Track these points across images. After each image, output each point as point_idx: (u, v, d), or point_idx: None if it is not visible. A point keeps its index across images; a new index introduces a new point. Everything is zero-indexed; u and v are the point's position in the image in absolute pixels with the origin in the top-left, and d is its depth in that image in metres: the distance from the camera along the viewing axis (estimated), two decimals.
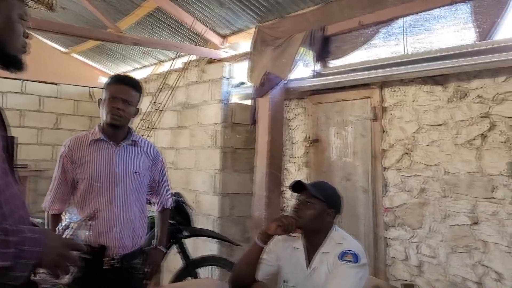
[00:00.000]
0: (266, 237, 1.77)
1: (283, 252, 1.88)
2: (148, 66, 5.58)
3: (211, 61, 4.21)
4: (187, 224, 3.43)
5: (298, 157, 3.78)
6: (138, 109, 2.07)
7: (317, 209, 1.77)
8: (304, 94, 3.71)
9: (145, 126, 4.74)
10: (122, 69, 6.05)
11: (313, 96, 3.62)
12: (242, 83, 4.06)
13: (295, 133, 3.81)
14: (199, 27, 3.99)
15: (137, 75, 5.85)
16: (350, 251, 1.68)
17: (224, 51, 4.12)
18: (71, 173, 1.99)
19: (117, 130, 2.02)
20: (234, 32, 4.10)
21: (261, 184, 3.44)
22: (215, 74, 4.11)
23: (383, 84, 3.09)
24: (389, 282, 2.93)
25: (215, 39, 4.12)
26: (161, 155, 2.24)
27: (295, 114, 3.82)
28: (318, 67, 3.28)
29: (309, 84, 3.39)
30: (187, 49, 3.88)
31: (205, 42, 4.32)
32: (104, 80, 6.29)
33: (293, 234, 1.84)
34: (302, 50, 3.32)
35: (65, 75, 5.92)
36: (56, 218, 2.03)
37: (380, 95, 3.10)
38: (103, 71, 6.25)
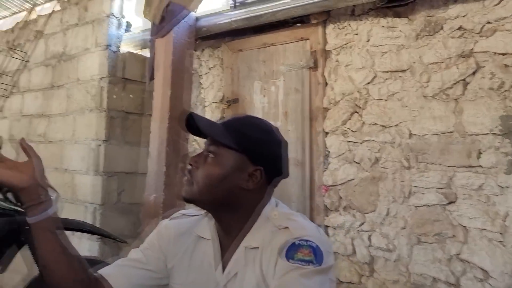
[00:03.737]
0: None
1: (178, 245, 1.01)
2: (17, 12, 4.27)
3: None
4: None
5: None
6: None
7: (227, 167, 0.91)
8: (220, 42, 2.80)
9: (6, 88, 3.50)
10: None
11: (232, 42, 2.73)
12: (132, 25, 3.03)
13: (208, 93, 2.89)
14: None
15: (3, 24, 4.49)
16: (306, 242, 0.84)
17: None
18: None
19: None
20: None
21: (159, 156, 2.47)
22: (101, 13, 3.03)
23: (327, 20, 2.30)
24: None
25: None
26: None
27: (208, 68, 2.90)
28: None
29: (227, 20, 2.49)
30: None
31: None
32: None
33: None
34: None
35: None
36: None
37: (321, 35, 2.31)
38: None
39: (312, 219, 2.27)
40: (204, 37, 2.77)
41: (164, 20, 2.54)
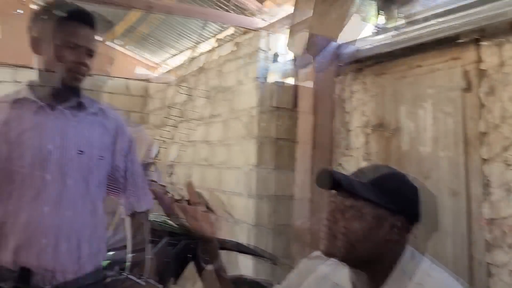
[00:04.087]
0: None
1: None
2: (185, 50, 4.92)
3: (246, 32, 3.41)
4: None
5: (356, 148, 2.85)
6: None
7: (369, 220, 0.91)
8: (363, 65, 2.78)
9: (175, 118, 4.07)
10: (160, 57, 5.47)
11: (376, 66, 2.67)
12: (279, 56, 3.21)
13: (352, 117, 2.89)
14: None
15: (174, 62, 5.23)
16: None
17: (263, 19, 3.31)
18: None
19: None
20: None
21: (303, 183, 2.57)
22: (250, 48, 3.30)
23: (481, 36, 2.09)
24: None
25: (251, 3, 3.32)
26: (128, 130, 1.48)
27: (351, 92, 2.90)
28: (382, 20, 2.36)
29: (370, 46, 2.47)
30: (213, 15, 3.12)
31: (242, 10, 3.54)
32: (142, 71, 5.83)
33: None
34: None
35: (99, 66, 5.44)
36: None
37: (475, 54, 2.11)
38: (139, 60, 5.71)
39: (470, 255, 2.08)
40: (347, 62, 2.79)
41: (306, 51, 2.65)
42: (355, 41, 2.61)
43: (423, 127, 2.36)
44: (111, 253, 2.18)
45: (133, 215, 1.50)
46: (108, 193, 1.44)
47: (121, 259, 1.55)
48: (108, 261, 1.75)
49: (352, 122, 2.89)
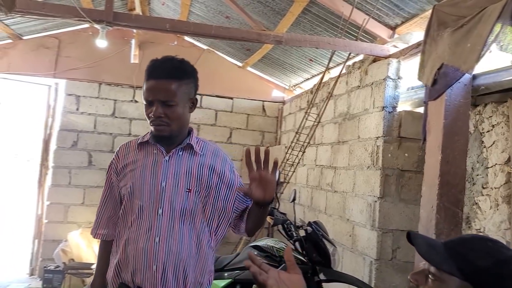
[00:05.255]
0: None
1: None
2: (316, 75, 5.02)
3: (376, 60, 3.34)
4: (326, 265, 2.68)
5: (494, 188, 2.56)
6: (194, 100, 1.53)
7: None
8: (506, 96, 2.49)
9: (300, 141, 4.19)
10: (294, 80, 5.67)
11: None
12: (414, 86, 3.07)
13: (491, 153, 2.61)
14: (360, 18, 3.21)
15: (306, 85, 5.38)
16: None
17: (393, 46, 3.21)
18: (117, 187, 1.55)
19: (168, 138, 1.51)
20: (405, 20, 3.16)
21: (429, 221, 2.40)
22: (379, 75, 3.23)
23: None
24: None
25: (381, 31, 3.26)
26: (236, 172, 1.61)
27: (491, 125, 2.62)
28: None
29: (509, 78, 2.22)
30: (341, 45, 3.14)
31: (373, 38, 3.49)
32: (277, 94, 6.11)
33: None
34: (499, 26, 2.18)
35: (239, 90, 5.90)
36: (105, 246, 1.62)
37: None
38: (275, 84, 6.00)
39: None
40: (486, 92, 2.54)
41: (436, 82, 2.50)
42: (494, 70, 2.36)
43: None
44: None
45: None
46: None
47: None
48: None
49: (491, 158, 2.60)
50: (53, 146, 5.31)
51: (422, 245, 0.96)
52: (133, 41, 5.29)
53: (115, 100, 5.43)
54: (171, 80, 1.45)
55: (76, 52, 5.34)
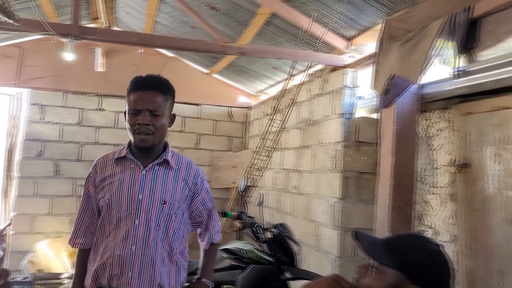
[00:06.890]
0: None
1: None
2: (280, 82, 5.21)
3: (335, 69, 3.56)
4: (291, 264, 2.85)
5: (441, 186, 2.80)
6: (173, 116, 1.65)
7: (385, 283, 1.04)
8: (450, 103, 2.74)
9: (266, 146, 4.35)
10: (259, 86, 5.84)
11: (461, 104, 2.63)
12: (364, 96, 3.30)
13: (438, 155, 2.85)
14: (319, 30, 3.41)
15: (271, 91, 5.56)
16: None
17: (350, 56, 3.43)
18: (94, 199, 1.66)
19: (147, 150, 1.63)
20: (360, 32, 3.38)
21: (383, 221, 2.62)
22: (337, 84, 3.44)
23: None
24: None
25: (338, 42, 3.47)
26: (206, 182, 1.75)
27: (438, 130, 2.87)
28: (461, 63, 2.35)
29: (451, 88, 2.46)
30: (302, 56, 3.33)
31: (331, 48, 3.71)
32: (243, 99, 6.27)
33: None
34: (439, 42, 2.42)
35: (206, 96, 6.02)
36: (83, 254, 1.72)
37: None
38: (241, 90, 6.15)
39: None
40: (432, 100, 2.78)
41: (388, 91, 2.72)
42: (438, 81, 2.61)
43: (509, 170, 2.27)
44: None
45: (210, 246, 1.80)
46: (192, 230, 1.75)
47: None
48: None
49: (439, 160, 2.85)
50: (17, 156, 5.25)
51: (364, 242, 1.13)
52: (98, 50, 5.31)
53: (81, 108, 5.42)
54: (159, 92, 1.58)
55: (40, 61, 5.30)
